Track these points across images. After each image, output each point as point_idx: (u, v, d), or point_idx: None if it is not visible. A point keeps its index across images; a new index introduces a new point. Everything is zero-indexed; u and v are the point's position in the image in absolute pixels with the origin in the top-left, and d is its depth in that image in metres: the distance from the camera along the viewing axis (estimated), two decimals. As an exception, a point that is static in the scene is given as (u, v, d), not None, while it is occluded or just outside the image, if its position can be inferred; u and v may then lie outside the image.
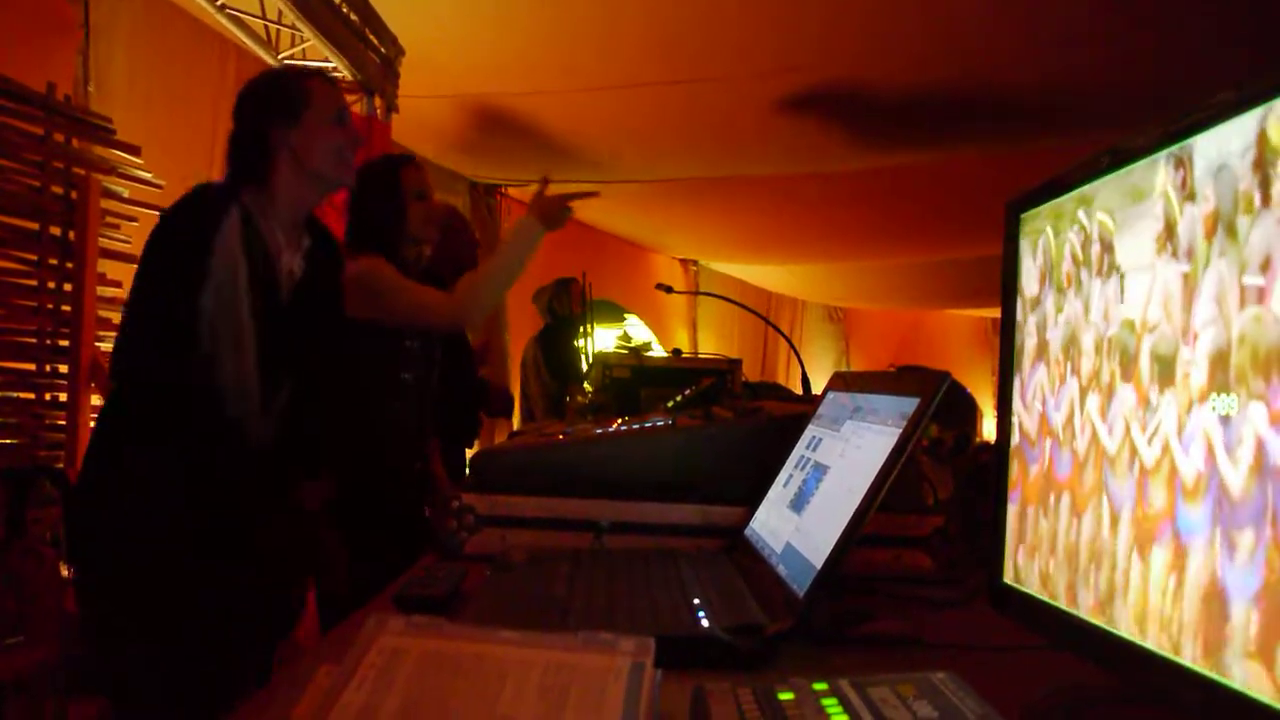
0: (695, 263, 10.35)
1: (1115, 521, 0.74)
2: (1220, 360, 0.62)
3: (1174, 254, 0.68)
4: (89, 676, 2.46)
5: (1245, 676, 0.57)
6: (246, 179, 1.92)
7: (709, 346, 9.97)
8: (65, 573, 2.98)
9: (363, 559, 2.12)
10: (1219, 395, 0.62)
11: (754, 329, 10.60)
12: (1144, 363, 0.71)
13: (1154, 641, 0.67)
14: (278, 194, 1.94)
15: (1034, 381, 0.88)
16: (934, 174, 6.50)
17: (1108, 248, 0.77)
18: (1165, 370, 0.68)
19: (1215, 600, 0.61)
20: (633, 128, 5.80)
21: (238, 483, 1.85)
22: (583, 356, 4.60)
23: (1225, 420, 0.61)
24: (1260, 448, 0.57)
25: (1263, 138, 0.60)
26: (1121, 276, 0.75)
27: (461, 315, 2.36)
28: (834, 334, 13.30)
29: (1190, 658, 0.63)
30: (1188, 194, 0.67)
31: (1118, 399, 0.74)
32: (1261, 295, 0.58)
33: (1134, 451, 0.72)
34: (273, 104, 1.96)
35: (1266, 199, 0.59)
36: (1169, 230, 0.69)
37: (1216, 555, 0.61)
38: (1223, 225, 0.63)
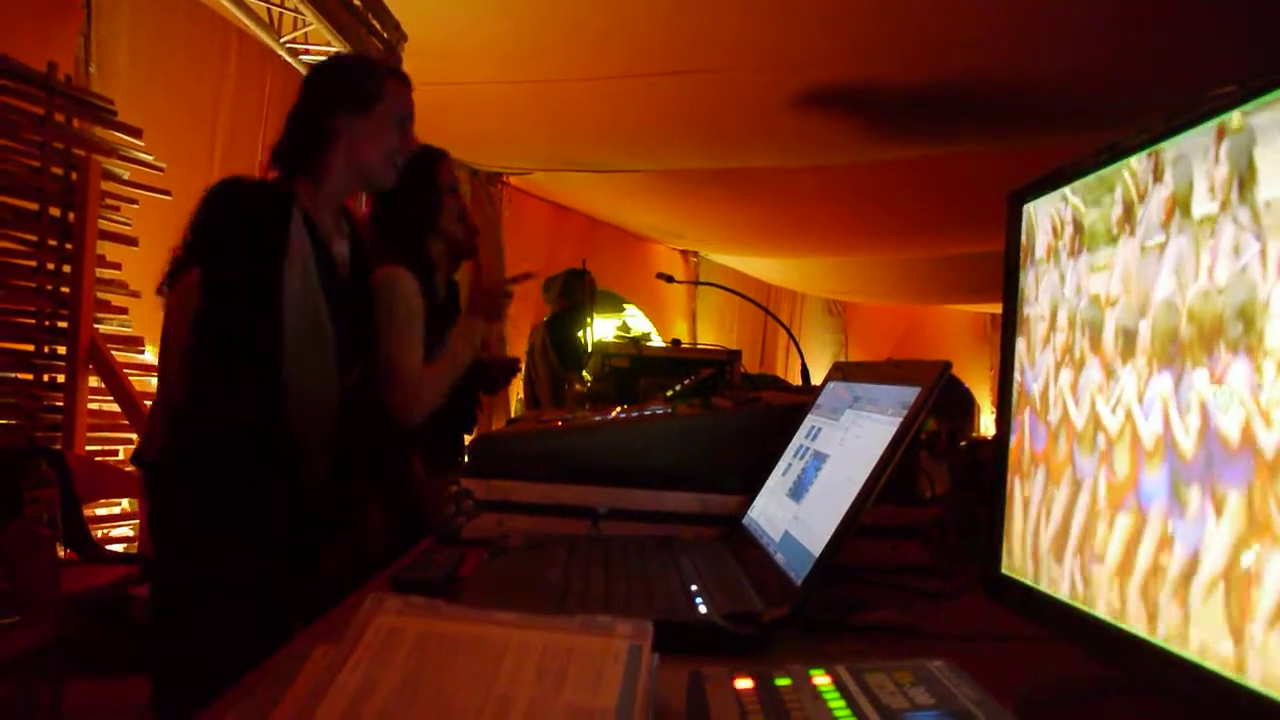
0: (695, 254, 10.34)
1: (1084, 492, 0.75)
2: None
3: (1131, 233, 0.71)
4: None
5: (1230, 658, 0.57)
6: (301, 163, 1.90)
7: (708, 338, 9.97)
8: (62, 553, 2.99)
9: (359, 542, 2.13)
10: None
11: (753, 321, 10.60)
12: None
13: (1142, 624, 0.67)
14: (325, 182, 1.93)
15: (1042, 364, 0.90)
16: (935, 169, 6.49)
17: (1079, 228, 0.79)
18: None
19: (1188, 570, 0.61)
20: (634, 117, 5.79)
21: (311, 499, 1.87)
22: (584, 345, 4.61)
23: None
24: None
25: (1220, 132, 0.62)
26: (1090, 254, 0.77)
27: (411, 408, 2.31)
28: (833, 328, 13.29)
29: (1169, 638, 0.64)
30: (1154, 177, 0.69)
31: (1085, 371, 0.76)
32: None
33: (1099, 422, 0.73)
34: (347, 90, 1.94)
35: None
36: (1128, 212, 0.72)
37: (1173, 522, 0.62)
38: (1179, 208, 0.65)
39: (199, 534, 1.78)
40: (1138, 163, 0.73)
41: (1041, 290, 0.87)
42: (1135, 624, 0.68)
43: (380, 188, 2.05)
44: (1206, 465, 0.61)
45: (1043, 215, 0.86)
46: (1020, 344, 0.88)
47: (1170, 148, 0.70)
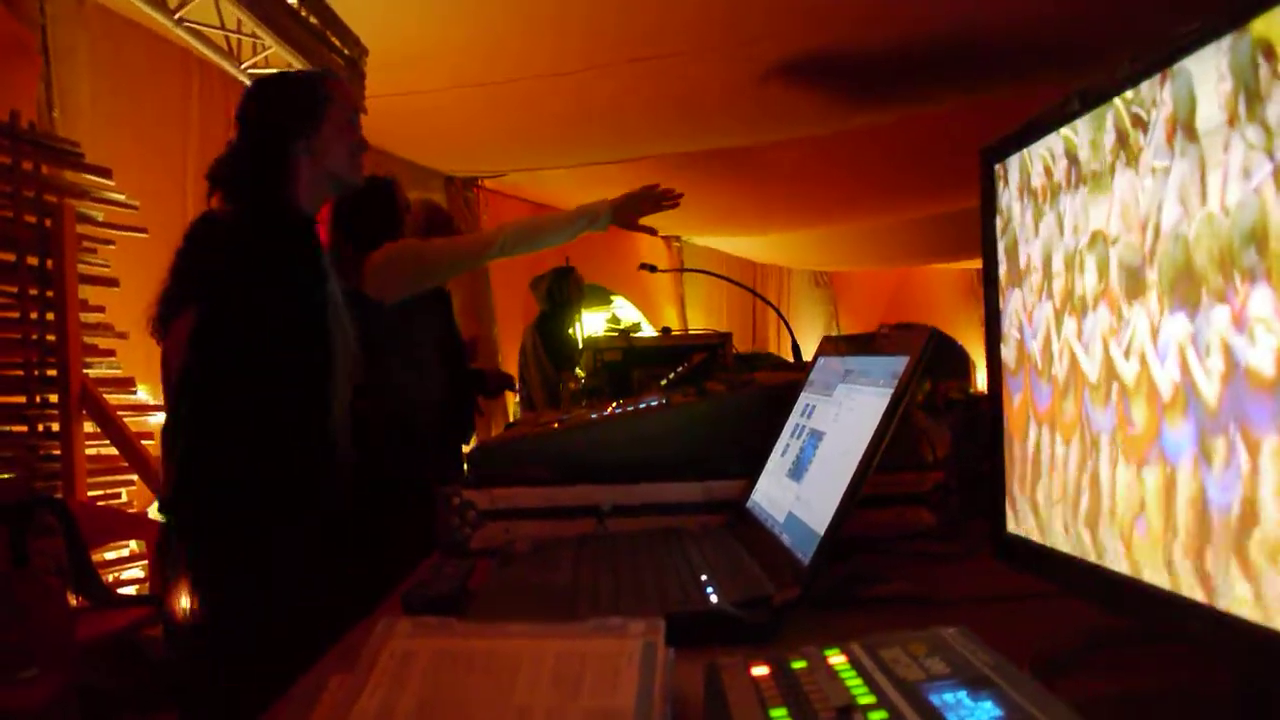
0: (678, 239, 10.33)
1: (1098, 447, 0.74)
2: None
3: (1129, 162, 0.69)
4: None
5: (1241, 596, 0.58)
6: (269, 189, 1.91)
7: (698, 322, 9.97)
8: (74, 601, 2.98)
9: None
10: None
11: (742, 301, 10.61)
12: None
13: (1151, 572, 0.67)
14: (301, 202, 1.94)
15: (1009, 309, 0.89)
16: (907, 131, 6.48)
17: (1074, 160, 0.77)
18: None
19: (1205, 520, 0.61)
20: (601, 108, 5.77)
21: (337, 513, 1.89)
22: (575, 342, 4.61)
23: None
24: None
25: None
26: (1087, 188, 0.76)
27: (500, 244, 2.35)
28: (822, 299, 13.31)
29: (1186, 587, 0.63)
30: (1150, 102, 0.68)
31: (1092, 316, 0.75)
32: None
33: (1112, 370, 0.72)
34: (294, 109, 1.95)
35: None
36: (1123, 139, 0.71)
37: (1201, 472, 0.62)
38: (1182, 129, 0.64)
39: (233, 566, 1.79)
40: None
41: (1033, 237, 0.84)
42: (1153, 576, 0.68)
43: (351, 186, 2.06)
44: (1234, 408, 0.59)
45: (1034, 156, 0.84)
46: (1015, 298, 0.87)
47: (1131, 96, 0.70)
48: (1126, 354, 0.70)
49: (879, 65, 5.14)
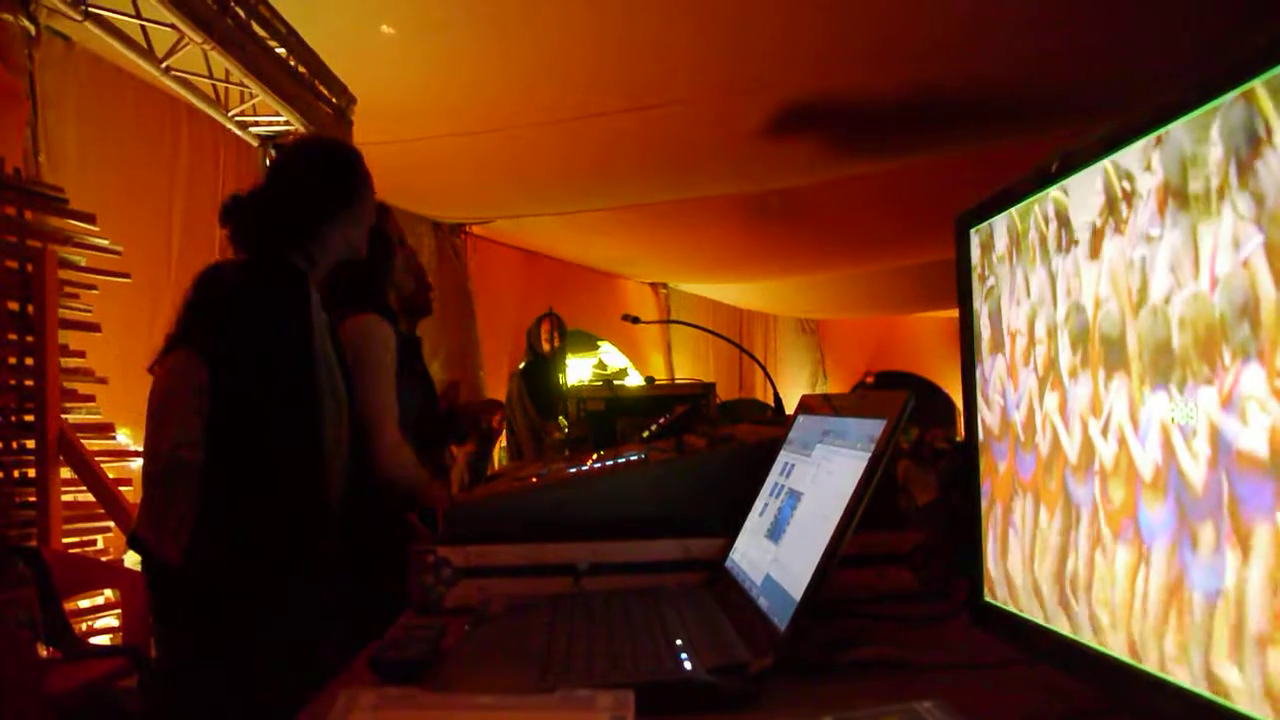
0: (665, 286, 10.37)
1: (1078, 522, 0.73)
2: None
3: (1118, 229, 0.68)
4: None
5: (1221, 682, 0.56)
6: (293, 242, 1.95)
7: (684, 368, 9.98)
8: (45, 652, 2.92)
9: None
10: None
11: (728, 347, 10.61)
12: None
13: (1128, 651, 0.66)
14: (322, 263, 2.00)
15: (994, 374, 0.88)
16: (894, 181, 6.55)
17: (1064, 222, 0.77)
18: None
19: (1184, 603, 0.60)
20: (591, 157, 5.82)
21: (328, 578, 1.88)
22: (560, 391, 4.61)
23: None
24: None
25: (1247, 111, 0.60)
26: (1076, 252, 0.75)
27: (393, 459, 2.29)
28: (809, 345, 13.34)
29: (1164, 666, 0.62)
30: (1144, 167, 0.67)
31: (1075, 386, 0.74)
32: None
33: (1091, 448, 0.71)
34: (338, 188, 2.01)
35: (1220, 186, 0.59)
36: (1111, 205, 0.70)
37: (1179, 554, 0.60)
38: (1172, 198, 0.63)
39: (225, 618, 1.78)
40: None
41: (1021, 301, 0.83)
42: (1128, 654, 0.67)
43: (358, 258, 2.12)
44: (1220, 495, 0.57)
45: (1025, 216, 0.83)
46: (999, 364, 0.87)
47: (1106, 162, 0.70)
48: (1104, 433, 0.69)
49: (874, 116, 5.21)
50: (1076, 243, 0.73)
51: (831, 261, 9.37)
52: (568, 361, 5.43)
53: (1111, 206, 0.69)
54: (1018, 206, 0.82)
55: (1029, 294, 0.81)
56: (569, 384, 5.02)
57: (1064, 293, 0.75)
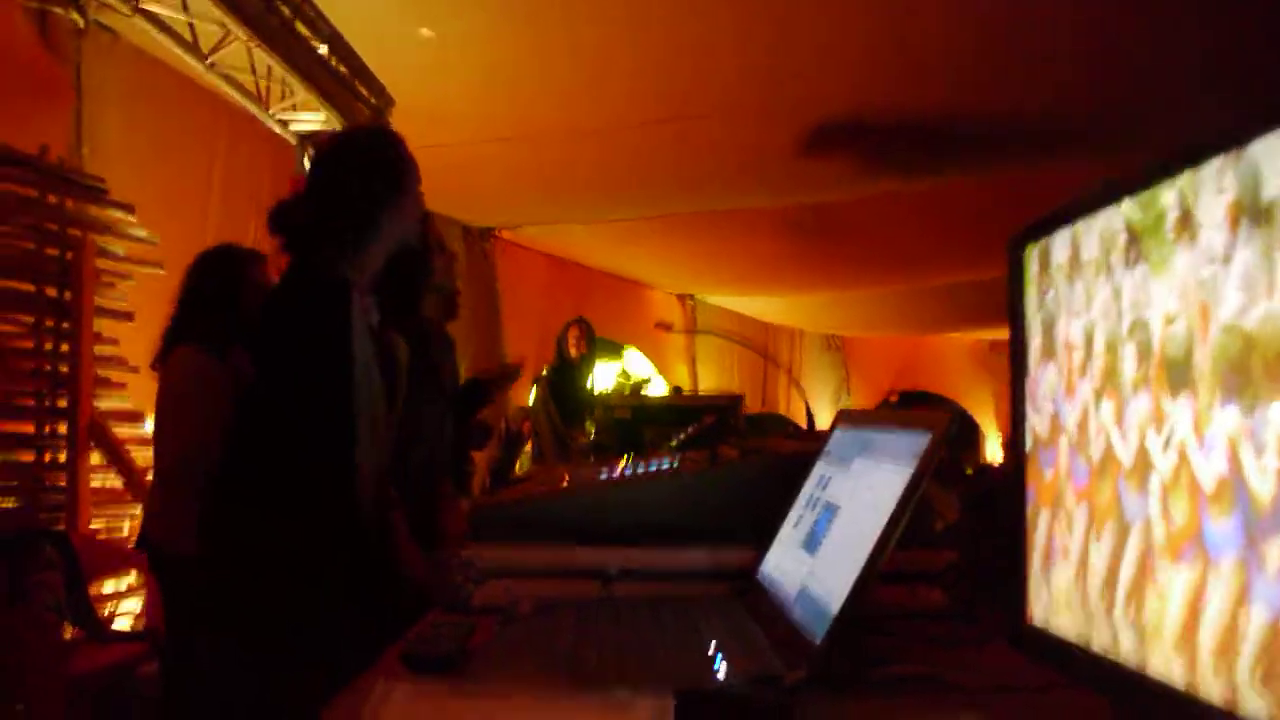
0: (692, 297, 10.36)
1: (1130, 536, 0.72)
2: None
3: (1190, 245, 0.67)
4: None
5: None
6: (339, 244, 1.91)
7: (709, 380, 9.95)
8: (69, 634, 2.95)
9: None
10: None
11: (753, 361, 10.59)
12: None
13: (1185, 677, 0.65)
14: (369, 264, 1.95)
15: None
16: (929, 200, 6.52)
17: (1132, 238, 0.75)
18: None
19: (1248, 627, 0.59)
20: (626, 166, 5.82)
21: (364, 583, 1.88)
22: (587, 397, 4.62)
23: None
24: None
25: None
26: (1146, 267, 0.73)
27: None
28: (833, 363, 13.28)
29: (1223, 697, 0.61)
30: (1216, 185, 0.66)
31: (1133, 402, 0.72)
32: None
33: (1148, 460, 0.70)
34: (389, 182, 1.96)
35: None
36: (1184, 221, 0.68)
37: (1247, 572, 0.59)
38: (1245, 215, 0.62)
39: (242, 622, 1.77)
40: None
41: (1078, 314, 0.82)
42: (1189, 685, 0.65)
43: (411, 249, 2.09)
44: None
45: (1088, 231, 0.82)
46: (1050, 372, 0.85)
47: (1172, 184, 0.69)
48: (1165, 446, 0.68)
49: (910, 136, 5.18)
50: (1145, 259, 0.72)
51: (861, 279, 9.33)
52: (594, 370, 5.44)
53: (1184, 222, 0.67)
54: (1082, 221, 0.80)
55: (1089, 309, 0.80)
56: (596, 391, 5.03)
57: (1128, 308, 0.74)
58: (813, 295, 10.29)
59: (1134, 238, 0.74)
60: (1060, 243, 0.85)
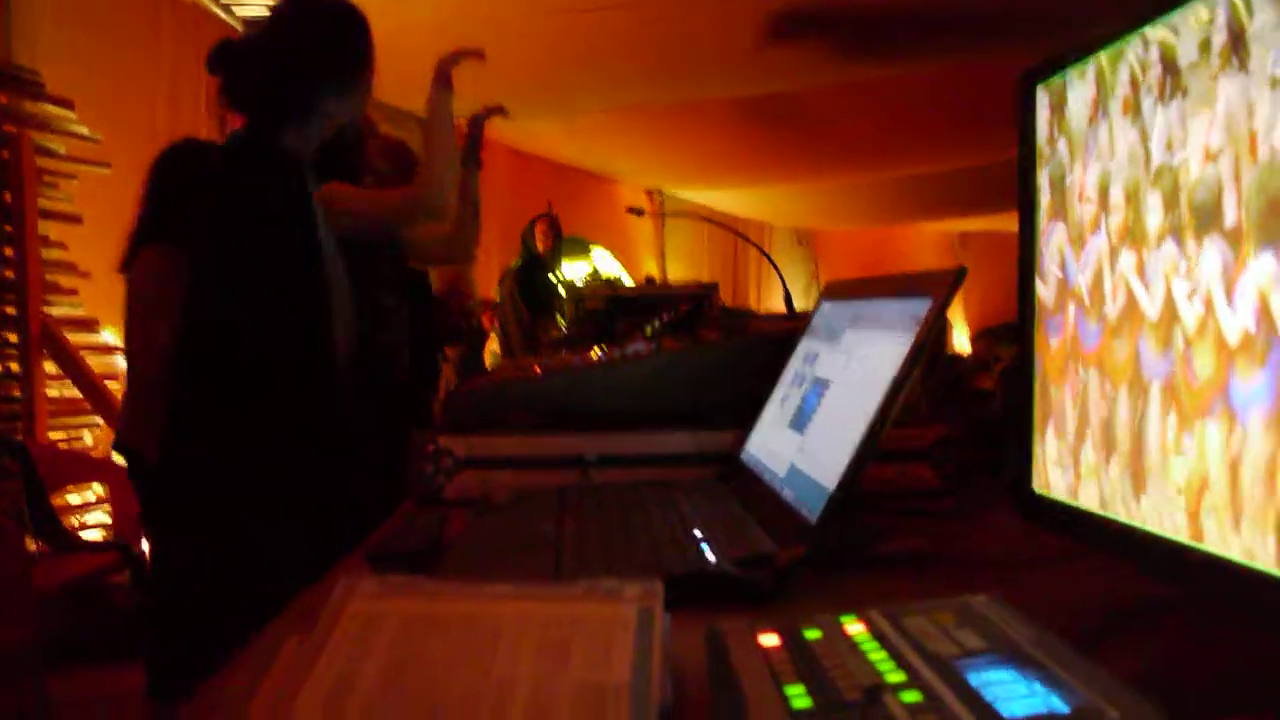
0: (660, 191, 10.19)
1: (1150, 395, 0.66)
2: None
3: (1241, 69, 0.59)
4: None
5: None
6: (287, 118, 1.84)
7: (679, 274, 9.87)
8: (33, 547, 2.89)
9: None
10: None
11: (723, 255, 10.50)
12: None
13: (1210, 539, 0.60)
14: (312, 137, 1.89)
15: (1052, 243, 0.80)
16: (895, 90, 6.39)
17: (1170, 67, 0.67)
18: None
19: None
20: (589, 54, 5.62)
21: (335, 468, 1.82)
22: (556, 291, 4.55)
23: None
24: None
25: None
26: (1184, 99, 0.65)
27: (433, 197, 2.25)
28: (803, 257, 13.23)
29: (1258, 554, 0.56)
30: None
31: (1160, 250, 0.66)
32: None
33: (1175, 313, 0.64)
34: (339, 49, 1.90)
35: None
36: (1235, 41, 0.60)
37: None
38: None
39: (220, 513, 1.73)
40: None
41: (1100, 160, 0.74)
42: (1209, 542, 0.60)
43: (354, 126, 2.04)
44: None
45: (1121, 65, 0.72)
46: (1059, 232, 0.78)
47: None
48: (1190, 296, 0.62)
49: (877, 21, 5.02)
50: (1184, 89, 0.64)
51: (828, 170, 9.22)
52: (562, 264, 5.34)
53: (1236, 43, 0.59)
54: (1106, 51, 0.72)
55: (1112, 154, 0.72)
56: (567, 282, 4.95)
57: (1160, 147, 0.66)
58: (780, 187, 10.17)
59: (1170, 67, 0.66)
60: (1077, 80, 0.77)
